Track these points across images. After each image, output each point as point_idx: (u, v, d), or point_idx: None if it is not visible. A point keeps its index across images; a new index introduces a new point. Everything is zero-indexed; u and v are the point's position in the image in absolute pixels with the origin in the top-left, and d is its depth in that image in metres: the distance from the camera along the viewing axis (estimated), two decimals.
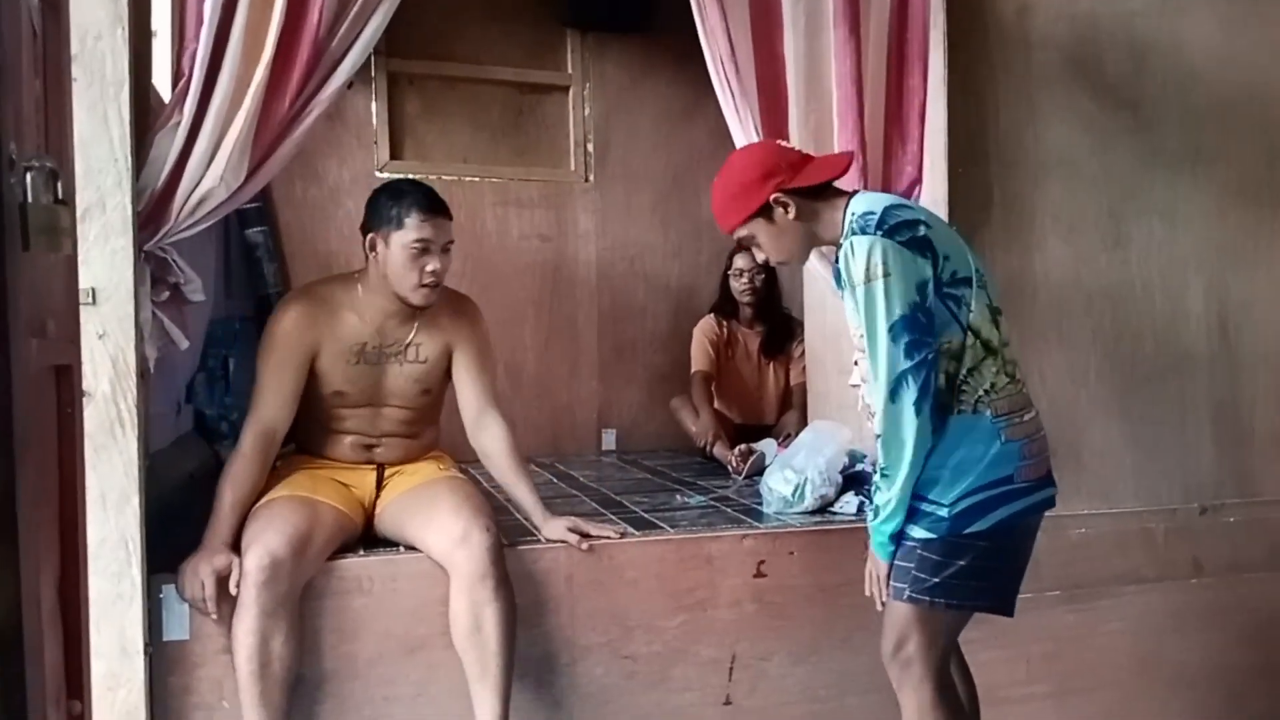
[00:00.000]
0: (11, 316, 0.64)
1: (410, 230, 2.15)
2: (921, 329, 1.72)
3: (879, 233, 1.72)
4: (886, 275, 1.70)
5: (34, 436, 0.79)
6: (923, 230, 1.76)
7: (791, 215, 1.85)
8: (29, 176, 0.69)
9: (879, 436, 1.77)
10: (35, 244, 0.69)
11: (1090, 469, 2.60)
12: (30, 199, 0.69)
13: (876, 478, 1.81)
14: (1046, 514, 2.42)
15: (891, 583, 1.85)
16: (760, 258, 1.93)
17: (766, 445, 3.33)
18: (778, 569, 2.35)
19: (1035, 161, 2.57)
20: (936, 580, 1.80)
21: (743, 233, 1.90)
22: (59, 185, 0.73)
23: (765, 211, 1.87)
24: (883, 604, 1.90)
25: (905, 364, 1.71)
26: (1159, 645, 2.64)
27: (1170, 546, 2.66)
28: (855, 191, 1.91)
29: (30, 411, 0.71)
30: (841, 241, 1.79)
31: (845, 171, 1.92)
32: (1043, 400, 2.52)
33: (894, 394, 1.72)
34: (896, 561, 1.83)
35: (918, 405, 1.72)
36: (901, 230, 1.74)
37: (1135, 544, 2.62)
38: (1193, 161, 2.72)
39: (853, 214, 1.80)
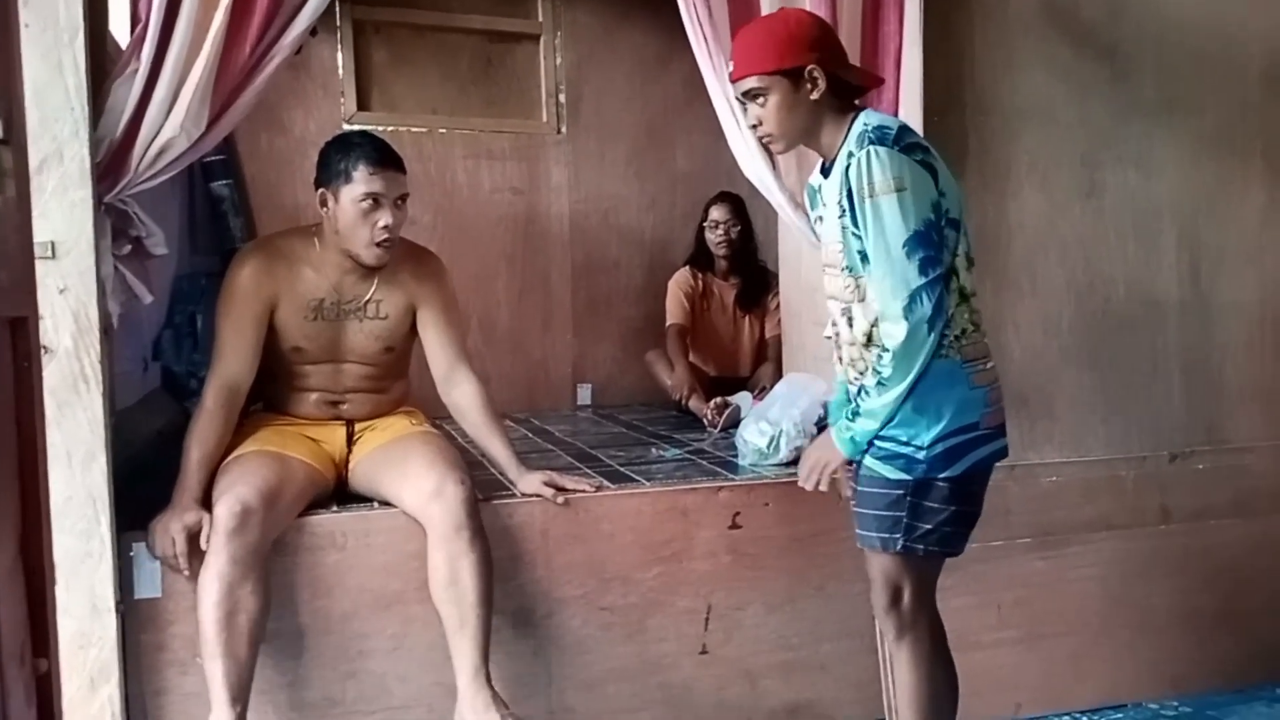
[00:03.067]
0: None
1: (359, 184, 2.10)
2: (935, 247, 1.70)
3: (896, 147, 1.70)
4: (902, 190, 1.67)
5: None
6: (932, 159, 1.76)
7: (814, 96, 1.77)
8: None
9: (883, 349, 1.72)
10: None
11: (1061, 417, 2.62)
12: None
13: (868, 381, 1.77)
14: (1019, 462, 2.47)
15: (876, 533, 1.82)
16: (752, 120, 1.81)
17: (742, 398, 3.33)
18: (752, 520, 2.36)
19: (1011, 109, 2.55)
20: (929, 528, 1.79)
21: (755, 85, 1.78)
22: None
23: (793, 75, 1.76)
24: (816, 489, 1.91)
25: (919, 280, 1.68)
26: (1127, 590, 2.67)
27: (1139, 494, 2.69)
28: (863, 107, 1.85)
29: None
30: (852, 150, 1.71)
31: (874, 87, 1.97)
32: (1015, 349, 2.54)
33: (908, 309, 1.68)
34: (881, 511, 1.80)
35: (931, 322, 1.69)
36: (915, 151, 1.73)
37: (1105, 491, 2.65)
38: (1168, 110, 2.70)
39: (865, 125, 1.75)
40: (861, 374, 1.82)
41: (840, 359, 1.92)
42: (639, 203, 4.30)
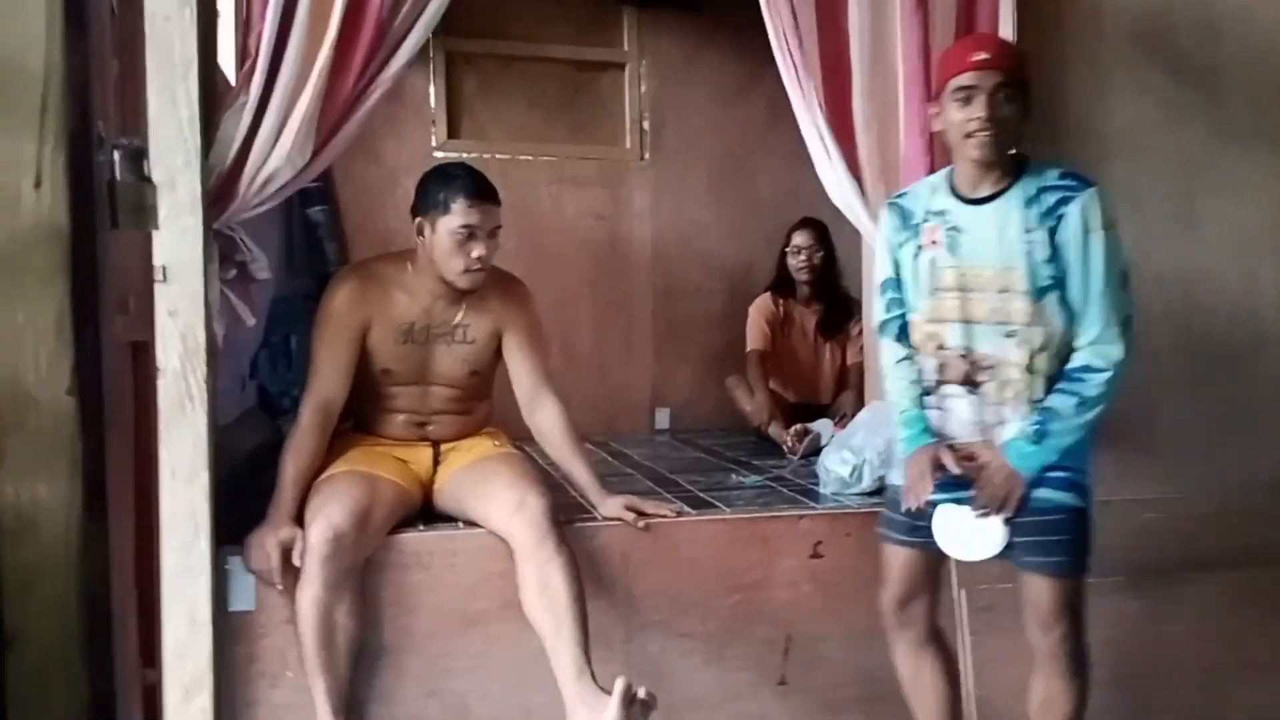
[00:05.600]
0: (103, 294, 0.66)
1: (456, 216, 2.16)
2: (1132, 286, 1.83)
3: None
4: (1116, 229, 1.81)
5: (117, 412, 0.81)
6: None
7: (1025, 122, 1.86)
8: (116, 155, 0.70)
9: (1096, 370, 1.79)
10: (123, 222, 0.70)
11: (1159, 451, 2.54)
12: (118, 177, 0.70)
13: (1061, 401, 1.80)
14: (1113, 497, 2.42)
15: (1063, 557, 1.84)
16: (985, 112, 1.78)
17: (822, 425, 3.31)
18: (835, 550, 2.34)
19: (1106, 137, 2.51)
20: (1089, 552, 1.87)
21: (1014, 81, 1.80)
22: (145, 163, 0.74)
23: (1028, 95, 1.85)
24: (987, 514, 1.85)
25: (1128, 309, 1.81)
26: (1225, 634, 2.57)
27: (1239, 532, 2.59)
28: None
29: (118, 387, 0.73)
30: (1069, 185, 1.81)
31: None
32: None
33: (1124, 334, 1.80)
34: (1065, 536, 1.84)
35: (1131, 352, 1.81)
36: None
37: (1203, 529, 2.56)
38: (1266, 137, 2.63)
39: (1060, 166, 1.87)
40: (1016, 396, 1.84)
41: (969, 381, 1.88)
42: (720, 229, 4.32)
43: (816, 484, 2.64)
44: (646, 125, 4.26)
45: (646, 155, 4.26)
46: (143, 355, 1.08)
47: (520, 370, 2.36)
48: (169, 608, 1.93)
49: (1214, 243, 2.59)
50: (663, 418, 4.26)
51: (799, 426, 3.30)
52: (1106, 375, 1.79)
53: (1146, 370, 2.53)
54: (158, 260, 1.93)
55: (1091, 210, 1.79)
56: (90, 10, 0.66)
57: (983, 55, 1.79)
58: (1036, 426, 1.81)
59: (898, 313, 1.96)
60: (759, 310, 3.80)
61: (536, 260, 3.94)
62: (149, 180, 0.74)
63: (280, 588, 2.03)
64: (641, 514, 2.25)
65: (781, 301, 3.81)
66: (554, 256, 4.09)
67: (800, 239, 3.72)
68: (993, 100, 1.77)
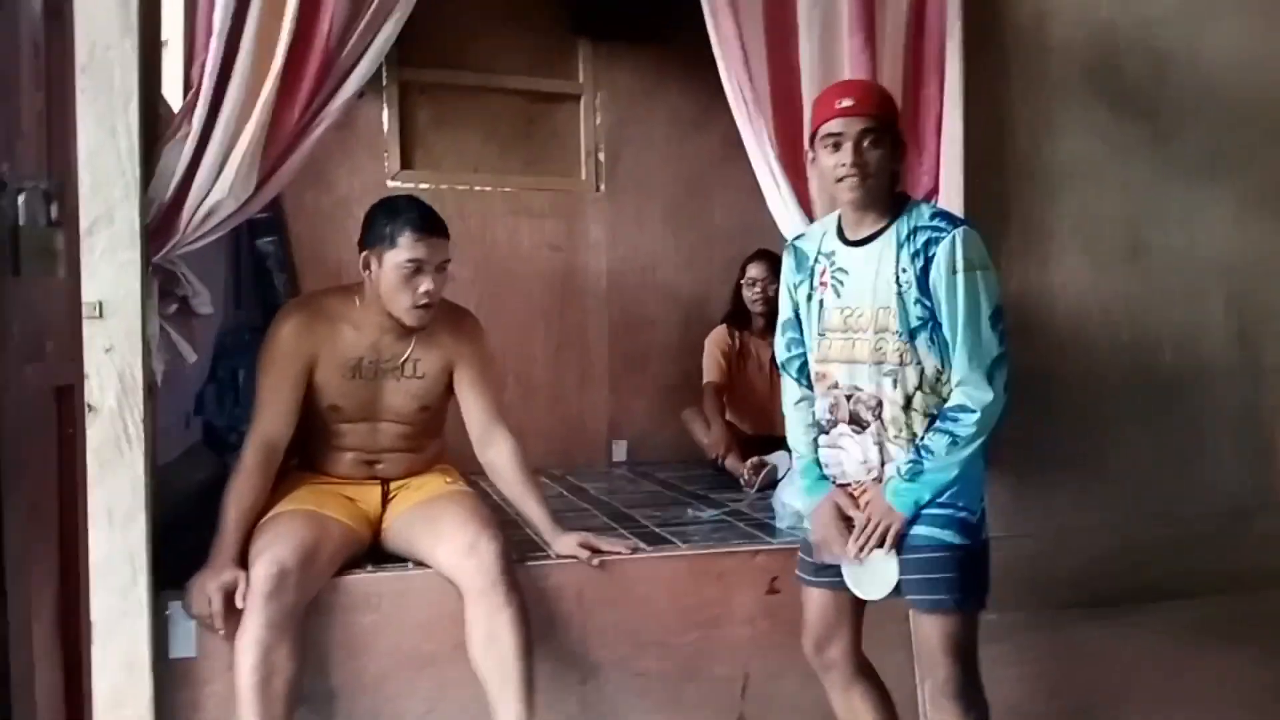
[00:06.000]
0: (3, 343, 0.62)
1: (403, 250, 2.12)
2: (1004, 324, 1.83)
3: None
4: (988, 269, 1.82)
5: (31, 459, 0.77)
6: None
7: (896, 165, 1.89)
8: (20, 199, 0.67)
9: (969, 410, 1.79)
10: (28, 268, 0.67)
11: (1111, 480, 2.56)
12: (24, 221, 0.66)
13: (935, 440, 1.81)
14: (1067, 526, 2.44)
15: (946, 594, 1.82)
16: (849, 159, 1.81)
17: (779, 458, 3.29)
18: (791, 585, 2.30)
19: (1053, 171, 2.54)
20: (982, 587, 1.87)
21: (878, 126, 1.82)
22: (53, 207, 0.70)
23: (897, 138, 1.88)
24: (858, 554, 1.85)
25: (997, 350, 1.81)
26: (1182, 661, 2.58)
27: (1193, 559, 2.61)
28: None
29: (22, 438, 0.69)
30: (937, 225, 1.82)
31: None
32: (1064, 411, 2.50)
33: (992, 375, 1.80)
34: (947, 574, 1.82)
35: (1008, 389, 1.82)
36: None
37: (1158, 557, 2.57)
38: (1211, 171, 2.68)
39: (934, 207, 1.94)
40: (898, 433, 1.86)
41: (856, 421, 1.90)
42: (676, 260, 4.31)
43: (773, 518, 2.62)
44: (602, 157, 4.25)
45: (602, 187, 4.25)
46: (68, 398, 1.03)
47: (472, 406, 2.32)
48: (102, 654, 1.86)
49: (1161, 274, 2.62)
50: (619, 450, 4.23)
51: (755, 459, 3.28)
52: (975, 416, 1.79)
53: (1095, 400, 2.56)
54: (94, 295, 1.87)
55: (958, 251, 1.79)
56: None
57: (848, 102, 1.82)
58: (910, 464, 1.83)
59: (797, 351, 2.00)
60: (714, 342, 3.79)
61: (492, 292, 3.91)
62: (58, 224, 0.70)
63: (222, 633, 1.96)
64: (596, 551, 2.21)
65: (737, 333, 3.80)
66: (510, 288, 4.05)
67: (755, 271, 3.72)
68: (859, 146, 1.81)
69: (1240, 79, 2.70)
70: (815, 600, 1.98)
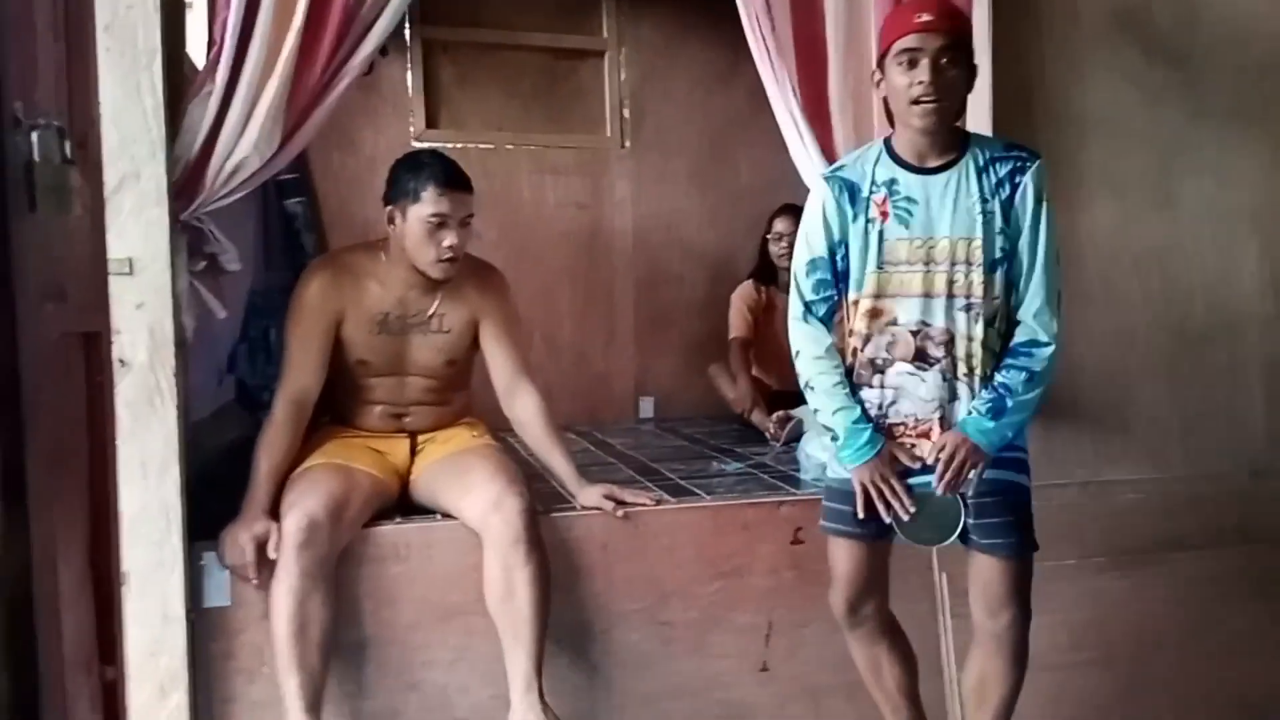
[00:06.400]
0: (18, 279, 0.63)
1: (427, 204, 2.13)
2: None
3: None
4: (1052, 203, 1.80)
5: (53, 402, 0.79)
6: None
7: (969, 88, 1.81)
8: (35, 135, 0.68)
9: (1043, 344, 1.78)
10: (43, 204, 0.68)
11: (1137, 433, 2.54)
12: (38, 158, 0.68)
13: (1012, 376, 1.77)
14: (1093, 479, 2.42)
15: (1017, 537, 1.82)
16: (928, 77, 1.71)
17: (804, 412, 3.28)
18: (815, 536, 2.30)
19: (1082, 118, 2.49)
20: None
21: (956, 44, 1.73)
22: (67, 145, 0.72)
23: (971, 59, 1.80)
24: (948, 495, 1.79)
25: (1060, 283, 1.82)
26: (1205, 613, 2.58)
27: (1218, 512, 2.60)
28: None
29: (46, 376, 0.71)
30: (1020, 155, 1.80)
31: None
32: (1089, 362, 2.48)
33: (1059, 309, 1.81)
34: (1017, 517, 1.83)
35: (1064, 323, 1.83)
36: None
37: (1183, 509, 2.56)
38: (1244, 118, 2.62)
39: (1003, 140, 1.88)
40: (970, 371, 1.80)
41: (922, 357, 1.81)
42: (702, 217, 4.30)
43: (798, 470, 2.63)
44: (627, 113, 4.23)
45: (627, 144, 4.23)
46: (95, 346, 1.05)
47: (497, 360, 2.34)
48: (138, 604, 1.91)
49: (1191, 224, 2.58)
50: (647, 406, 4.25)
51: (781, 413, 3.29)
52: (1051, 349, 1.78)
53: (1125, 351, 2.54)
54: (123, 252, 1.90)
55: (1044, 181, 1.78)
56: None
57: (927, 16, 1.71)
58: (992, 401, 1.77)
59: (827, 294, 1.87)
60: (741, 298, 3.78)
61: (517, 250, 3.92)
62: (72, 161, 0.72)
63: (255, 583, 2.00)
64: (620, 503, 2.23)
65: (763, 289, 3.79)
66: (535, 246, 4.06)
67: (781, 225, 3.70)
68: (937, 64, 1.71)
69: (1272, 25, 2.63)
70: (851, 554, 1.90)
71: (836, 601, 1.96)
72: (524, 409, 2.32)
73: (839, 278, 1.86)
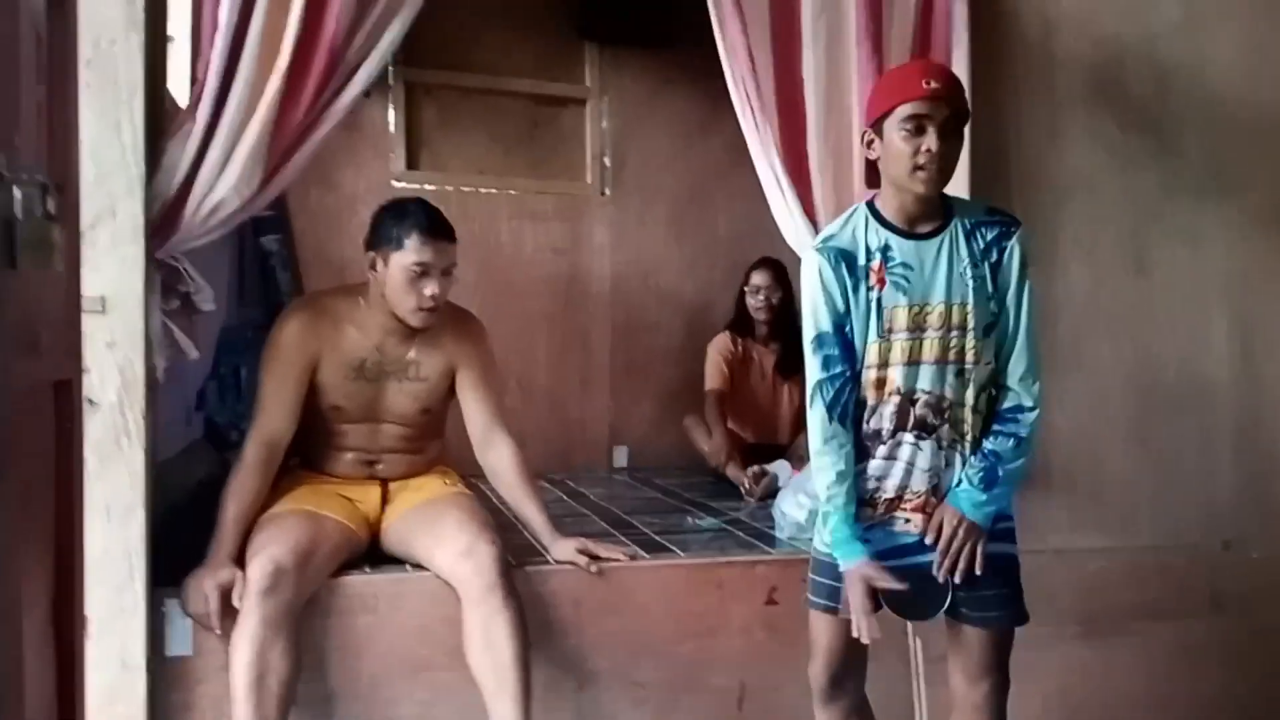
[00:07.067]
0: None
1: (409, 252, 2.12)
2: None
3: None
4: None
5: (25, 452, 0.76)
6: None
7: (963, 152, 1.80)
8: (18, 191, 0.66)
9: (1029, 409, 1.78)
10: (23, 261, 0.66)
11: (1108, 499, 2.55)
12: (20, 214, 0.66)
13: (1000, 443, 1.76)
14: (1065, 546, 2.42)
15: (1010, 610, 1.81)
16: (932, 147, 1.68)
17: (780, 467, 3.28)
18: (790, 597, 2.30)
19: (1057, 183, 2.53)
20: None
21: (959, 116, 1.73)
22: (50, 200, 0.70)
23: (967, 120, 1.77)
24: (953, 575, 1.74)
25: (1040, 349, 1.83)
26: (1176, 682, 2.58)
27: (1190, 581, 2.60)
28: None
29: (16, 431, 0.68)
30: (1006, 223, 1.81)
31: None
32: (1062, 427, 2.49)
33: (1039, 376, 1.81)
34: (1008, 589, 1.81)
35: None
36: None
37: (1154, 578, 2.57)
38: (1216, 186, 2.67)
39: (982, 204, 1.88)
40: (961, 437, 1.78)
41: (922, 426, 1.77)
42: (680, 265, 4.31)
43: (773, 528, 2.61)
44: (607, 161, 4.25)
45: (607, 190, 4.25)
46: (65, 393, 1.02)
47: (473, 408, 2.32)
48: (97, 650, 1.86)
49: (1164, 290, 2.61)
50: (620, 455, 4.22)
51: (756, 468, 3.27)
52: (1035, 414, 1.78)
53: (1097, 417, 2.55)
54: (96, 290, 1.87)
55: (1027, 247, 1.80)
56: None
57: (935, 84, 1.69)
58: (983, 471, 1.75)
59: (838, 370, 1.76)
60: (717, 349, 3.78)
61: (495, 294, 3.90)
62: (55, 218, 0.70)
63: (219, 632, 1.95)
64: (594, 557, 2.20)
65: (740, 341, 3.80)
66: (512, 290, 4.05)
67: (759, 279, 3.72)
68: (943, 132, 1.69)
69: (1244, 94, 2.69)
70: (836, 630, 1.83)
71: (817, 675, 1.90)
72: (499, 459, 2.29)
73: (851, 352, 1.78)
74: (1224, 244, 2.67)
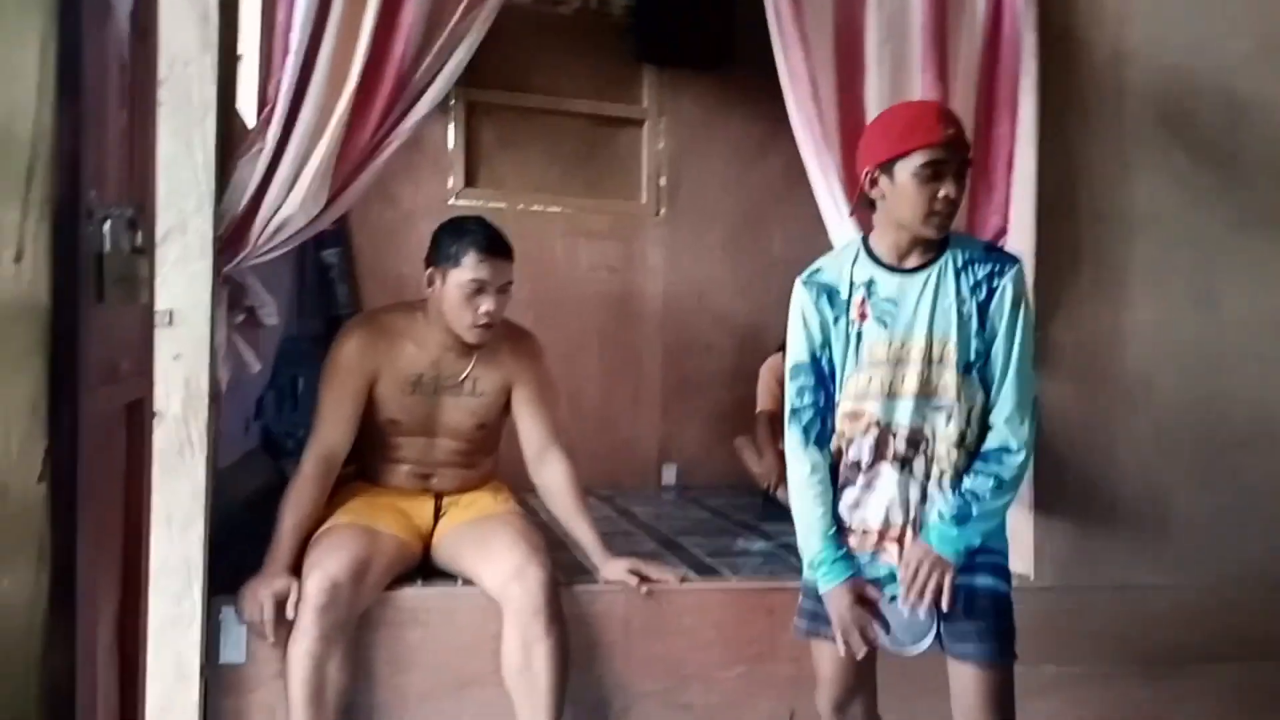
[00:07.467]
0: (82, 371, 0.62)
1: (467, 270, 2.14)
2: None
3: None
4: (1030, 307, 1.79)
5: (99, 480, 0.78)
6: None
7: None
8: (107, 225, 0.68)
9: (1015, 450, 1.73)
10: (111, 295, 0.68)
11: (1175, 538, 2.48)
12: (108, 249, 0.67)
13: (979, 483, 1.72)
14: (1128, 583, 2.36)
15: (994, 642, 1.74)
16: (949, 192, 1.69)
17: None
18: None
19: (1126, 216, 2.48)
20: (1015, 635, 1.78)
21: (966, 157, 1.73)
22: (138, 234, 0.71)
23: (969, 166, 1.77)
24: (912, 608, 1.73)
25: (1034, 390, 1.79)
26: None
27: (1250, 624, 2.52)
28: None
29: (94, 464, 0.70)
30: (999, 260, 1.77)
31: None
32: (1128, 464, 2.44)
33: (1033, 415, 1.77)
34: (995, 623, 1.74)
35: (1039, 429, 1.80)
36: None
37: (1217, 619, 2.49)
38: None
39: (981, 242, 1.86)
40: (942, 473, 1.75)
41: (899, 460, 1.76)
42: (733, 287, 4.30)
43: None
44: (663, 181, 4.26)
45: (662, 211, 4.26)
46: (137, 411, 1.04)
47: (529, 426, 2.33)
48: (155, 659, 1.88)
49: (1235, 327, 2.54)
50: (670, 474, 4.21)
51: None
52: (1021, 457, 1.73)
53: (1163, 454, 2.49)
54: (165, 304, 1.91)
55: (1021, 285, 1.75)
56: (86, 73, 0.64)
57: (951, 130, 1.69)
58: (957, 509, 1.72)
59: (810, 401, 1.79)
60: (770, 370, 3.76)
61: (548, 311, 3.91)
62: (141, 251, 0.71)
63: (273, 640, 1.98)
64: (645, 579, 2.20)
65: None
66: (565, 308, 4.07)
67: None
68: (958, 179, 1.70)
69: None
70: (834, 655, 1.81)
71: (821, 702, 1.90)
72: (553, 477, 2.30)
73: (825, 383, 1.81)
74: None
